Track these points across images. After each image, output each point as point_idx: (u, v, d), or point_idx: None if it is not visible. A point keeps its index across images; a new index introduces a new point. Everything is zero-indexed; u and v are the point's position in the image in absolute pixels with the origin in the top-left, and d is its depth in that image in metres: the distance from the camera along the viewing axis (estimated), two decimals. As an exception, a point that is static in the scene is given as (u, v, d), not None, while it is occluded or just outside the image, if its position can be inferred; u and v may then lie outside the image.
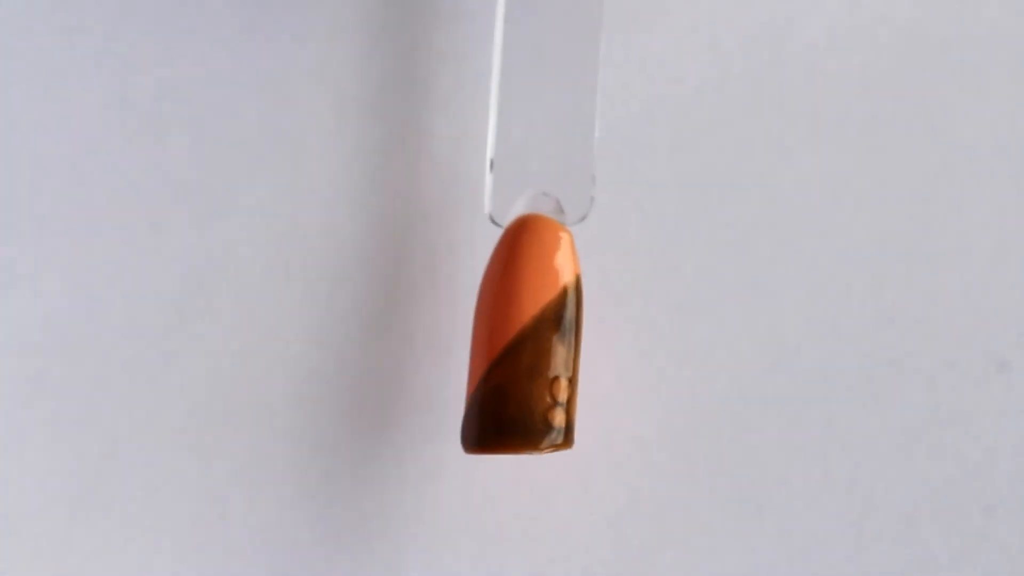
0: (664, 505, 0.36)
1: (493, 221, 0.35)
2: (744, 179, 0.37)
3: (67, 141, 0.37)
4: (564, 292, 0.34)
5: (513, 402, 0.33)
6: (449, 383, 0.36)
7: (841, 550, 0.36)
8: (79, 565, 0.36)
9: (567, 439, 0.33)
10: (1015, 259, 0.36)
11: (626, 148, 0.37)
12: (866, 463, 0.36)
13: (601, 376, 0.36)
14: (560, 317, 0.34)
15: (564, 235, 0.34)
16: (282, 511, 0.36)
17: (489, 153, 0.35)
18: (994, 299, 0.36)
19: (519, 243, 0.34)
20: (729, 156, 0.37)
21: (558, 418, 0.33)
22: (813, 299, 0.36)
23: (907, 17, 0.37)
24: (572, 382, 0.33)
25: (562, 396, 0.33)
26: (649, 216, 0.37)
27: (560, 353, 0.33)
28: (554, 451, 0.33)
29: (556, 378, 0.33)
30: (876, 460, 0.36)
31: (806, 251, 0.36)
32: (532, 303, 0.33)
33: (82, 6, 0.38)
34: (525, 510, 0.36)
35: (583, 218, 0.35)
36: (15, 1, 0.38)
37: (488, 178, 0.35)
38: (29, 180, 0.37)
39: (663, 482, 0.36)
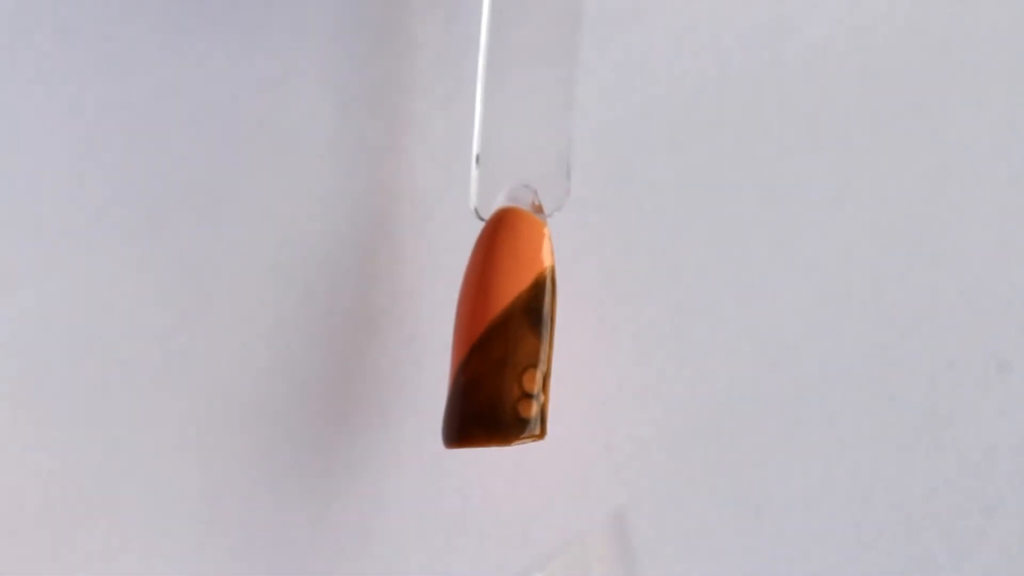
0: (664, 505, 0.36)
1: (478, 216, 0.35)
2: (744, 179, 0.37)
3: (67, 141, 0.37)
4: (536, 283, 0.34)
5: (483, 394, 0.33)
6: (447, 382, 0.36)
7: (841, 550, 0.36)
8: (79, 565, 0.36)
9: (540, 430, 0.33)
10: (1015, 259, 0.36)
11: (626, 147, 0.37)
12: (866, 463, 0.36)
13: (601, 376, 0.36)
14: (531, 308, 0.33)
15: (537, 227, 0.34)
16: (282, 511, 0.36)
17: (475, 148, 0.35)
18: (994, 299, 0.36)
19: (494, 236, 0.34)
20: (729, 156, 0.37)
21: (530, 409, 0.33)
22: (813, 299, 0.36)
23: (907, 17, 0.37)
24: (545, 373, 0.33)
25: (534, 387, 0.33)
26: (649, 215, 0.37)
27: (532, 344, 0.33)
28: (528, 442, 0.33)
29: (528, 369, 0.33)
30: (876, 460, 0.36)
31: (806, 251, 0.36)
32: (504, 295, 0.33)
33: (82, 6, 0.38)
34: (525, 510, 0.36)
35: (559, 209, 0.35)
36: (16, 1, 0.38)
37: (474, 173, 0.35)
38: (29, 180, 0.37)
39: (663, 482, 0.36)
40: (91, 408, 0.36)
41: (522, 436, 0.33)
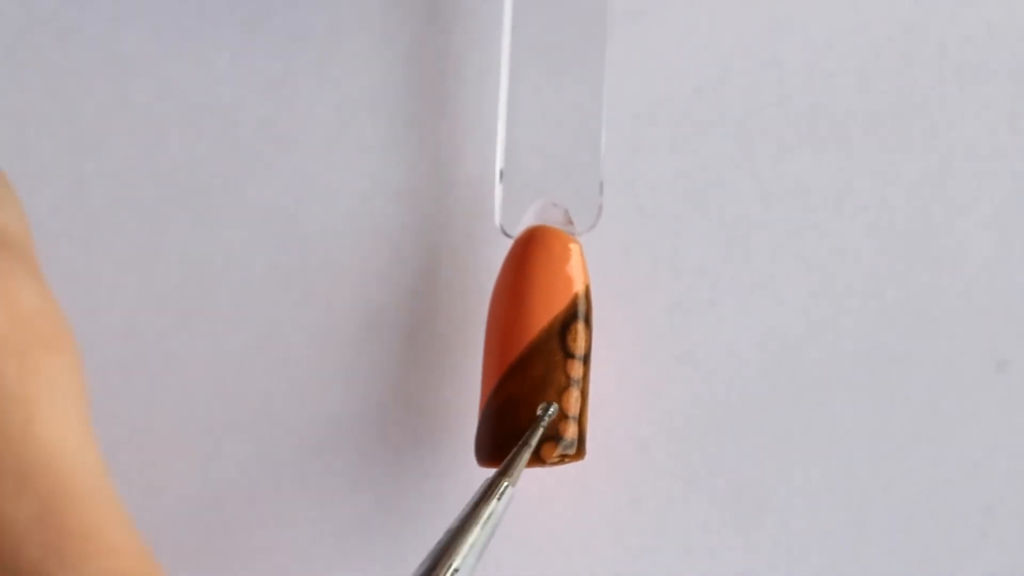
0: (664, 505, 0.36)
1: (504, 232, 0.35)
2: (744, 179, 0.37)
3: (68, 141, 0.37)
4: (573, 304, 0.34)
5: (524, 416, 0.33)
6: (449, 383, 0.36)
7: (841, 550, 0.36)
8: (79, 565, 0.36)
9: (579, 451, 0.33)
10: (1015, 259, 0.36)
11: (626, 148, 0.37)
12: (866, 463, 0.36)
13: (601, 376, 0.36)
14: (570, 328, 0.34)
15: (573, 246, 0.34)
16: (282, 511, 0.36)
17: (498, 164, 0.35)
18: (994, 299, 0.36)
19: (528, 255, 0.34)
20: (729, 156, 0.37)
21: (569, 430, 0.33)
22: (813, 299, 0.36)
23: (907, 17, 0.37)
24: (583, 393, 0.34)
25: (573, 408, 0.33)
26: (649, 216, 0.37)
27: (570, 365, 0.33)
28: (566, 462, 0.34)
29: (567, 390, 0.33)
30: (876, 460, 0.36)
31: (806, 251, 0.36)
32: (541, 316, 0.33)
33: (82, 6, 0.38)
34: (525, 510, 0.36)
35: (591, 227, 0.35)
36: (16, 1, 0.38)
37: (498, 189, 0.35)
38: (30, 180, 0.37)
39: (663, 482, 0.36)
40: (91, 408, 0.36)
41: (562, 457, 0.33)
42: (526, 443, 0.33)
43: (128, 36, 0.37)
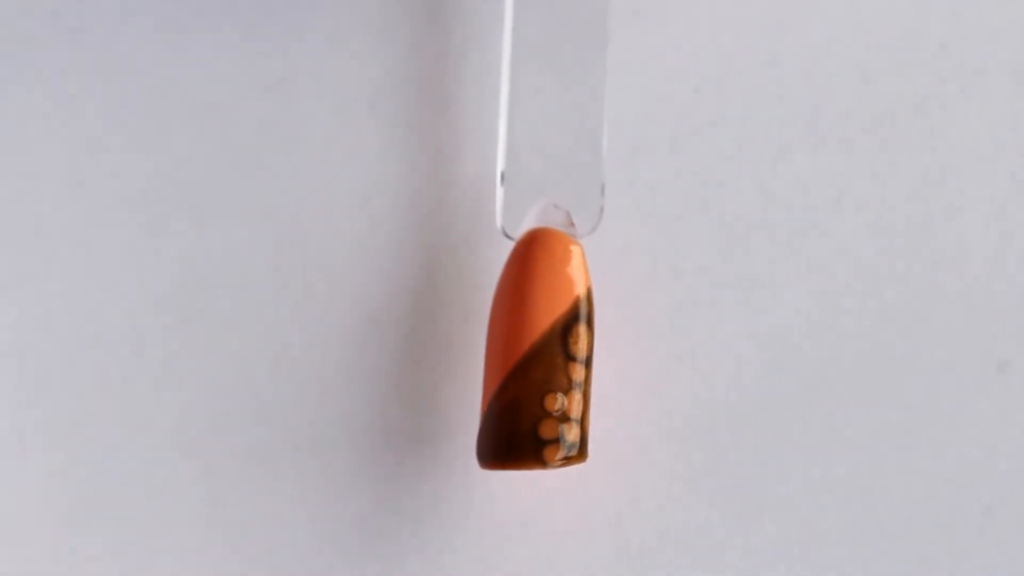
0: (664, 505, 0.36)
1: (505, 234, 0.35)
2: (744, 179, 0.37)
3: (67, 141, 0.37)
4: (575, 306, 0.34)
5: (525, 419, 0.33)
6: (450, 384, 0.36)
7: (841, 550, 0.36)
8: (78, 566, 0.36)
9: (581, 453, 0.33)
10: (1015, 259, 0.36)
11: (625, 148, 0.37)
12: (866, 463, 0.36)
13: (601, 376, 0.36)
14: (571, 331, 0.34)
15: (574, 248, 0.34)
16: (282, 511, 0.36)
17: (500, 166, 0.35)
18: (994, 299, 0.36)
19: (529, 257, 0.34)
20: (728, 156, 0.37)
21: (572, 433, 0.33)
22: (813, 299, 0.36)
23: (907, 17, 0.37)
24: (585, 395, 0.34)
25: (575, 411, 0.33)
26: (649, 216, 0.37)
27: (572, 367, 0.33)
28: (568, 465, 0.34)
29: (569, 392, 0.33)
30: (876, 460, 0.36)
31: (806, 251, 0.36)
32: (543, 318, 0.33)
33: (83, 6, 0.37)
34: (525, 510, 0.36)
35: (593, 229, 0.35)
36: (16, 1, 0.38)
37: (499, 191, 0.35)
38: (29, 181, 0.37)
39: (663, 482, 0.36)
40: (90, 408, 0.36)
41: (564, 459, 0.33)
42: None
43: (128, 36, 0.37)
